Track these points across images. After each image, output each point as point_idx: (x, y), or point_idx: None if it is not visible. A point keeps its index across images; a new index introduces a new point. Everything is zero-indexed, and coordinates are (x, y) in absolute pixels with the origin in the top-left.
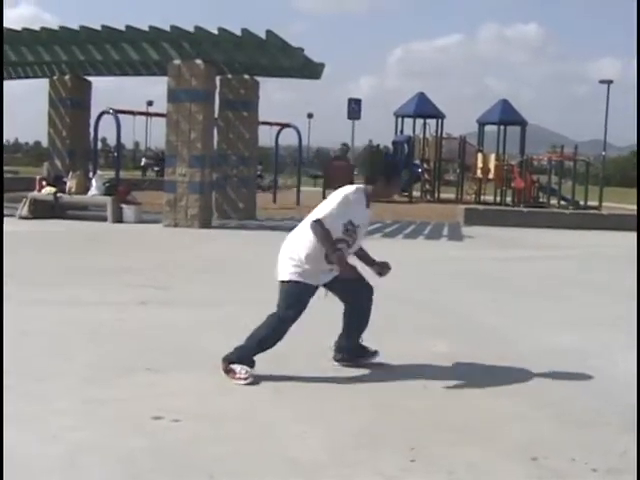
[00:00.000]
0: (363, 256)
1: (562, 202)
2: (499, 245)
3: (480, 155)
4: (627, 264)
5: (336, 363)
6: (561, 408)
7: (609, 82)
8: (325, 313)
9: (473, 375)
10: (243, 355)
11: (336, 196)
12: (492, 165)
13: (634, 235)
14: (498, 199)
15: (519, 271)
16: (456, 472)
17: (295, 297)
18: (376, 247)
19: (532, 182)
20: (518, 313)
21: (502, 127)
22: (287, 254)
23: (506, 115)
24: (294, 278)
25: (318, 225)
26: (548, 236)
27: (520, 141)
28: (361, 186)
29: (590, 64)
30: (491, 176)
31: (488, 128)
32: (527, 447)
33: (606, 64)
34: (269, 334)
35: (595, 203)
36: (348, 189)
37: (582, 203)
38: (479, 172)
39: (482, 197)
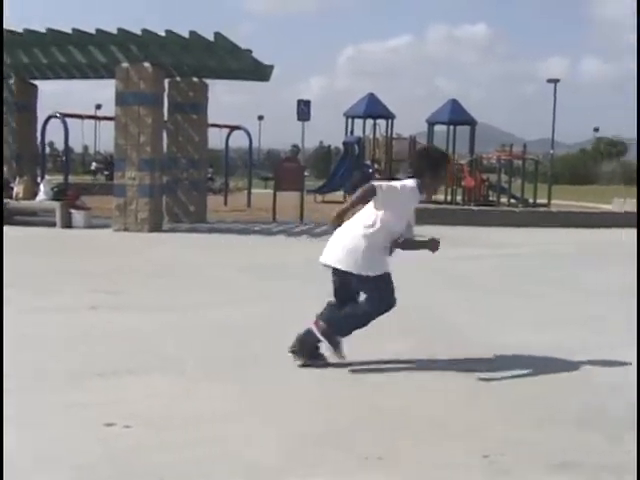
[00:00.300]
0: (409, 243)
1: (512, 200)
2: (451, 244)
3: None
4: (583, 260)
5: (289, 354)
6: (526, 406)
7: (556, 81)
8: (288, 308)
9: (439, 374)
10: (342, 329)
11: (406, 194)
12: None
13: (583, 231)
14: (449, 198)
15: (474, 269)
16: (422, 470)
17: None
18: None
19: (482, 181)
20: (478, 310)
21: (451, 127)
22: (359, 248)
23: (455, 115)
24: (378, 272)
25: (369, 185)
26: (499, 234)
27: (470, 140)
28: (416, 182)
29: (538, 63)
30: None
31: (438, 128)
32: (487, 445)
33: (553, 63)
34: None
35: (544, 201)
36: (411, 185)
37: (531, 201)
38: None
39: (433, 196)
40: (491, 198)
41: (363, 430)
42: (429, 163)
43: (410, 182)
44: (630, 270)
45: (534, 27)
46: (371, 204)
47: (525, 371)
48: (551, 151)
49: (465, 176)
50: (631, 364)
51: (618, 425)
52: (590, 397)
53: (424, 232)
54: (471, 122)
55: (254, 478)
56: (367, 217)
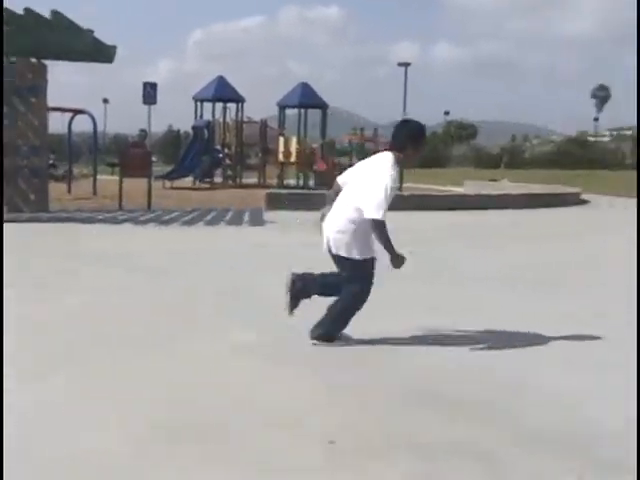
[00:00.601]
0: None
1: None
2: (302, 229)
3: (282, 138)
4: (441, 243)
5: (314, 341)
6: (364, 393)
7: (407, 64)
8: (128, 298)
9: (284, 364)
10: (331, 330)
11: (387, 177)
12: (294, 148)
13: (437, 214)
14: (301, 182)
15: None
16: (260, 459)
17: (370, 271)
18: (176, 235)
19: (334, 164)
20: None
21: (303, 110)
22: (347, 232)
23: (306, 98)
24: (366, 256)
25: (381, 226)
26: None
27: (321, 124)
28: (394, 155)
29: (389, 47)
30: (293, 159)
31: (289, 111)
32: (329, 432)
33: (405, 47)
34: (351, 304)
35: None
36: (390, 164)
37: None
38: (281, 156)
39: (285, 181)
40: None
41: (196, 422)
42: (411, 135)
43: (390, 170)
44: (484, 254)
45: (386, 10)
46: (359, 189)
47: (366, 357)
48: None
49: (317, 160)
50: (477, 349)
51: (454, 408)
52: (430, 382)
53: (275, 217)
54: (322, 105)
55: (92, 470)
56: (356, 205)
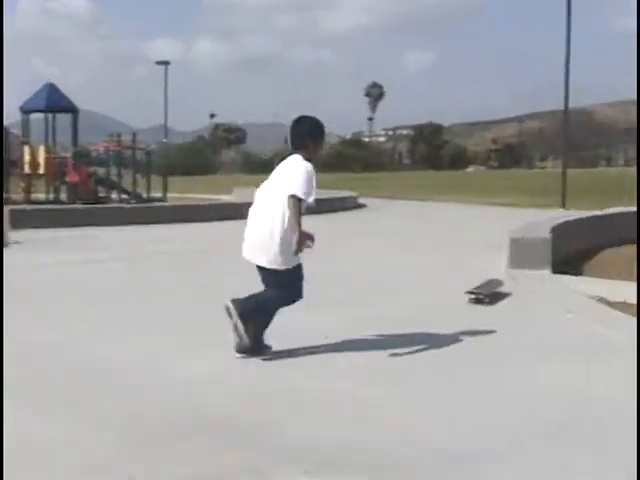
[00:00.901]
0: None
1: (123, 195)
2: (52, 249)
3: (27, 148)
4: (200, 260)
5: (239, 355)
6: (124, 425)
7: (166, 63)
8: None
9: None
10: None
11: (308, 173)
12: (42, 158)
13: (201, 226)
14: (52, 197)
15: (67, 279)
16: None
17: (299, 278)
18: None
19: (89, 175)
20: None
21: (50, 115)
22: (276, 242)
23: (53, 101)
24: (294, 264)
25: (297, 204)
26: (110, 235)
27: (72, 130)
28: (300, 154)
29: (146, 44)
30: (42, 171)
31: (34, 116)
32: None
33: (163, 44)
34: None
35: (160, 194)
36: (301, 160)
37: (145, 195)
38: (27, 167)
39: (33, 195)
40: (102, 194)
41: None
42: (308, 131)
43: (306, 163)
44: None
45: (140, 3)
46: (280, 195)
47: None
48: (164, 140)
49: (69, 171)
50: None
51: (220, 433)
52: (193, 408)
53: (21, 237)
54: (72, 109)
55: None
56: (280, 210)
